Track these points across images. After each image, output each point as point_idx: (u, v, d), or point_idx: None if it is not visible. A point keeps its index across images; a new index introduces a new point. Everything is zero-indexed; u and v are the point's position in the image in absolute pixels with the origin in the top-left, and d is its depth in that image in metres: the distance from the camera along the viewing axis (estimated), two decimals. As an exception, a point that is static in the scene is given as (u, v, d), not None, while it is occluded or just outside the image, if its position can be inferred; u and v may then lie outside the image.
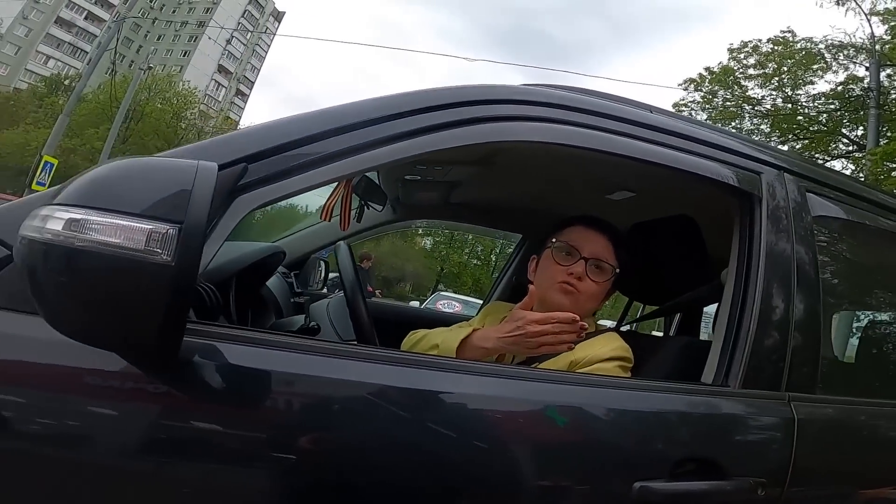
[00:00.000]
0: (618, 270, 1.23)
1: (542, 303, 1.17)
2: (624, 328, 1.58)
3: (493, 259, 29.58)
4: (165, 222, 0.59)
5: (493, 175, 1.77)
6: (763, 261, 1.07)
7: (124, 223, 0.59)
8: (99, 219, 0.59)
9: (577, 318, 1.02)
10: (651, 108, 1.17)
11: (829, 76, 12.50)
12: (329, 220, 1.75)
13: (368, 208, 1.92)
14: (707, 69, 13.61)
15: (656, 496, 0.88)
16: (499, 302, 1.44)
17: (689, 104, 13.61)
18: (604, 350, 1.12)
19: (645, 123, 1.10)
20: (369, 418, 0.78)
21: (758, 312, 1.04)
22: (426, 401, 0.83)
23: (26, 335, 0.69)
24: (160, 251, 0.59)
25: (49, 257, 0.59)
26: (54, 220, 0.59)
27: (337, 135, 0.85)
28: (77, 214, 0.59)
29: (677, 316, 2.01)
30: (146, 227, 0.59)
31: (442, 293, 13.93)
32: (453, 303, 10.12)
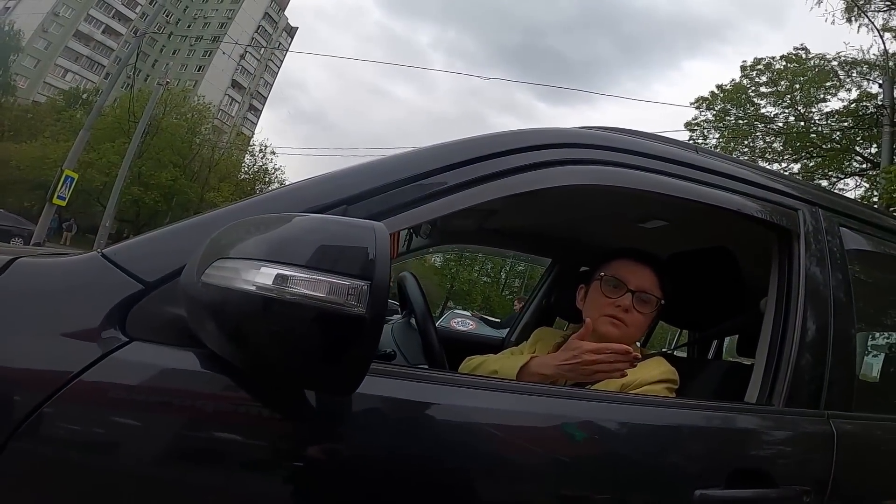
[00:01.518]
0: (663, 302, 1.29)
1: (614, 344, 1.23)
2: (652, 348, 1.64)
3: (503, 276, 29.63)
4: (359, 279, 0.67)
5: (529, 203, 1.83)
6: (802, 291, 1.16)
7: (326, 279, 0.67)
8: (303, 275, 0.67)
9: (630, 349, 1.10)
10: (697, 149, 1.25)
11: (842, 94, 12.58)
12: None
13: (417, 236, 1.98)
14: (719, 87, 13.69)
15: (715, 501, 0.97)
16: (547, 328, 1.50)
17: (702, 123, 13.65)
18: (653, 373, 1.19)
19: (692, 164, 1.17)
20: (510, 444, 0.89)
21: (798, 338, 1.13)
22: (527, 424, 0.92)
23: (172, 367, 0.75)
24: (356, 304, 0.67)
25: (257, 306, 0.67)
26: (262, 276, 0.67)
27: (423, 179, 0.93)
28: (285, 271, 0.67)
29: (715, 341, 2.07)
30: (345, 283, 0.67)
31: (456, 311, 13.95)
32: (467, 321, 10.11)
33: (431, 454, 0.84)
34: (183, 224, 0.88)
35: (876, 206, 7.47)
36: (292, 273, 0.67)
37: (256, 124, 60.35)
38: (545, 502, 0.90)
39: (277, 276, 0.67)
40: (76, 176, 11.76)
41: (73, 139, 15.25)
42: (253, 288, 0.67)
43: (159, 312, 0.76)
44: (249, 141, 38.70)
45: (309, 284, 0.67)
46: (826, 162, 12.89)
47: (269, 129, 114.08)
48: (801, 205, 1.24)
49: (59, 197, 11.10)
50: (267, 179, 33.67)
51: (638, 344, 1.36)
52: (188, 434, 0.75)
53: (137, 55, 14.94)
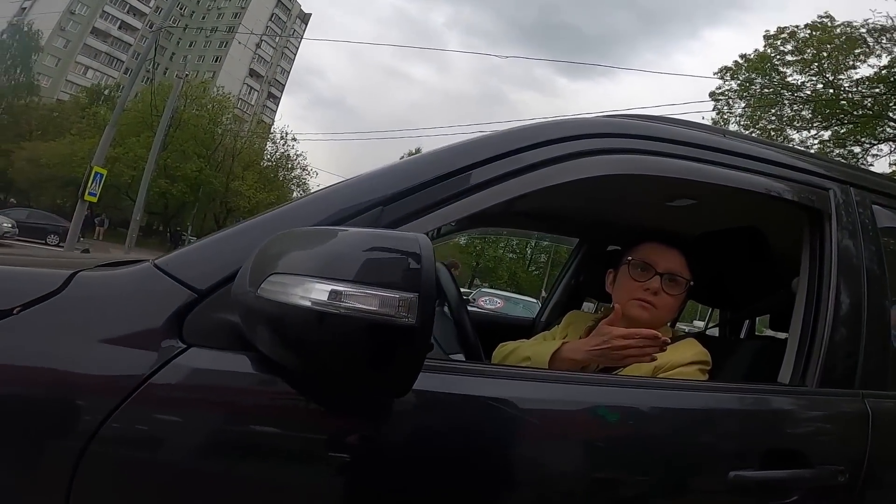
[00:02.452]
0: (692, 283, 1.31)
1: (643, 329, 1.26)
2: (686, 328, 1.65)
3: (529, 252, 29.45)
4: (408, 291, 0.72)
5: (553, 187, 1.85)
6: (835, 271, 1.15)
7: (377, 293, 0.72)
8: (356, 291, 0.72)
9: (659, 334, 1.12)
10: (725, 133, 1.26)
11: (873, 60, 12.14)
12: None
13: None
14: (742, 56, 13.33)
15: (749, 482, 0.99)
16: (578, 311, 1.54)
17: (726, 93, 13.34)
18: (685, 355, 1.21)
19: (719, 148, 1.17)
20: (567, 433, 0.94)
21: (831, 318, 1.13)
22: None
23: (229, 370, 0.81)
24: (407, 315, 0.72)
25: (317, 320, 0.72)
26: (317, 292, 0.72)
27: (455, 176, 0.96)
28: (338, 287, 0.72)
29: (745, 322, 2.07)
30: (395, 296, 0.72)
31: (483, 290, 14.00)
32: (495, 299, 10.16)
33: (471, 445, 0.88)
34: (228, 232, 0.92)
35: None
36: (345, 289, 0.72)
37: (276, 112, 60.71)
38: (581, 489, 0.93)
39: (332, 291, 0.71)
40: (105, 172, 11.99)
41: (99, 135, 15.56)
42: (308, 303, 0.72)
43: (213, 319, 0.81)
44: (270, 129, 38.92)
45: (361, 299, 0.71)
46: (858, 129, 12.51)
47: (289, 116, 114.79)
48: (831, 184, 1.23)
49: (90, 193, 11.35)
50: (289, 166, 33.97)
51: (669, 325, 1.38)
52: (248, 431, 0.80)
53: (156, 49, 15.10)
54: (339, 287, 0.72)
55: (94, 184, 11.30)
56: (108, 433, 0.74)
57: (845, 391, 1.13)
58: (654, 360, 1.14)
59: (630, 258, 1.33)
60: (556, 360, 1.20)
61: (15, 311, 0.77)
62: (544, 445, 0.93)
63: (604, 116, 1.21)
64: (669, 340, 1.14)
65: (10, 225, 15.75)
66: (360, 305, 0.71)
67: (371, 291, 0.72)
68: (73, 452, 0.72)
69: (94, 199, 11.94)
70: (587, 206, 2.03)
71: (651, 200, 1.75)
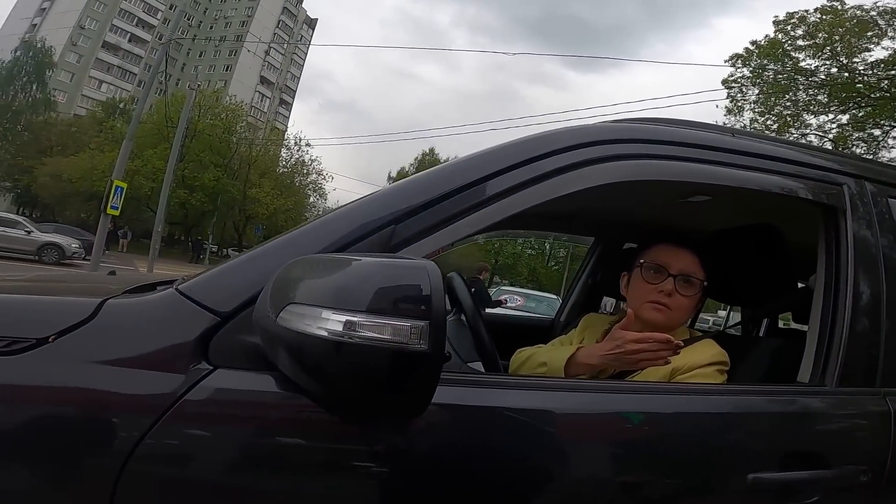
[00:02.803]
0: (706, 283, 1.29)
1: (636, 318, 1.25)
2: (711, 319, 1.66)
3: (548, 248, 29.18)
4: (419, 319, 0.76)
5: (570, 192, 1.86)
6: (852, 267, 1.14)
7: (389, 322, 0.76)
8: (369, 321, 0.76)
9: (672, 338, 1.12)
10: (734, 132, 1.25)
11: (886, 42, 11.94)
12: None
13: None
14: (753, 43, 13.17)
15: (769, 485, 0.99)
16: (594, 315, 1.54)
17: (739, 80, 13.19)
18: (703, 357, 1.20)
19: (729, 148, 1.17)
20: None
21: (850, 316, 1.12)
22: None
23: (255, 389, 0.85)
24: (419, 342, 0.76)
25: (333, 349, 0.76)
26: (332, 323, 0.76)
27: (465, 191, 0.98)
28: (353, 318, 0.76)
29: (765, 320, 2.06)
30: (407, 324, 0.76)
31: (503, 287, 13.96)
32: (515, 297, 10.16)
33: (491, 456, 0.90)
34: (247, 256, 0.97)
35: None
36: (359, 319, 0.75)
37: (288, 118, 61.17)
38: (601, 496, 0.94)
39: (346, 322, 0.75)
40: (125, 185, 12.18)
41: (117, 149, 15.83)
42: (325, 333, 0.76)
43: (237, 341, 0.85)
44: (284, 135, 39.22)
45: (374, 328, 0.75)
46: (876, 111, 12.29)
47: (302, 122, 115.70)
48: (845, 179, 1.22)
49: (112, 207, 11.51)
50: (305, 171, 34.16)
51: (686, 325, 1.37)
52: (274, 447, 0.84)
53: (166, 61, 15.30)
54: (354, 318, 0.75)
55: (115, 197, 11.48)
56: (144, 451, 0.78)
57: (866, 390, 1.11)
58: (668, 363, 1.14)
59: (643, 261, 1.32)
60: (571, 366, 1.22)
61: (50, 340, 0.82)
62: (563, 454, 0.94)
63: (614, 122, 1.22)
64: (682, 344, 1.14)
65: (77, 245, 16.12)
66: (374, 335, 0.75)
67: (383, 321, 0.75)
68: (112, 470, 0.77)
69: (117, 213, 12.14)
70: (601, 206, 2.03)
71: (665, 199, 1.77)
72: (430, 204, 0.96)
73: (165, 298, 0.91)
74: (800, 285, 1.76)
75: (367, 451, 0.87)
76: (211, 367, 0.83)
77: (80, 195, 27.62)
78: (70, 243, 16.01)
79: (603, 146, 1.07)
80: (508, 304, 8.39)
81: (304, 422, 0.85)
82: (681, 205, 1.76)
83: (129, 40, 55.10)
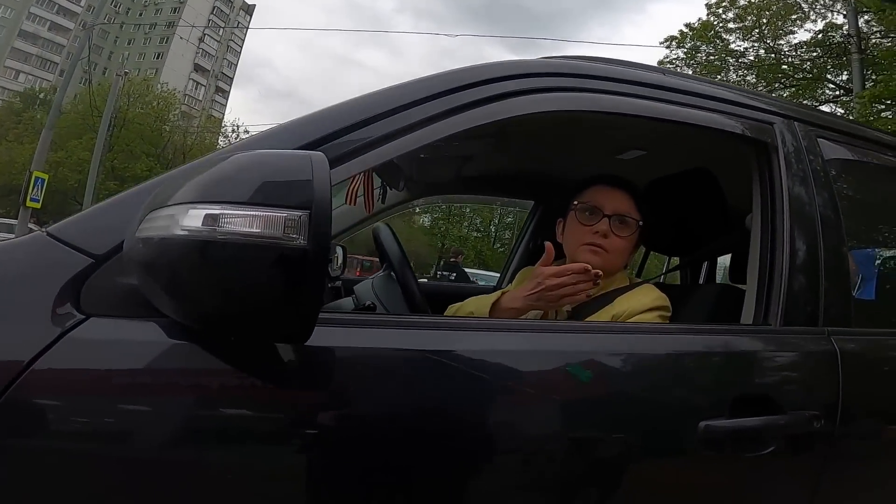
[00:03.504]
0: (641, 223, 1.27)
1: (571, 263, 1.22)
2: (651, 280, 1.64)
3: (493, 229, 29.69)
4: (296, 209, 0.64)
5: (504, 146, 1.82)
6: (787, 204, 1.13)
7: (261, 213, 0.63)
8: (235, 212, 0.63)
9: (590, 267, 1.09)
10: (665, 71, 1.24)
11: (808, 25, 12.63)
12: (354, 204, 1.79)
13: (390, 189, 1.96)
14: (687, 25, 13.60)
15: (721, 433, 0.93)
16: (529, 267, 1.50)
17: (674, 61, 13.60)
18: (644, 301, 1.17)
19: (660, 85, 1.14)
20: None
21: (789, 253, 1.09)
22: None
23: (133, 339, 0.72)
24: (297, 236, 0.63)
25: (190, 252, 0.63)
26: (190, 218, 0.63)
27: (392, 115, 0.90)
28: (214, 210, 0.63)
29: (704, 265, 2.08)
30: (281, 215, 0.63)
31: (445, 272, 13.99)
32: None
33: (420, 402, 0.82)
34: (129, 192, 0.83)
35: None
36: (223, 211, 0.63)
37: (225, 106, 58.99)
38: (546, 441, 0.87)
39: (206, 216, 0.63)
40: (46, 177, 11.47)
41: (38, 140, 14.86)
42: (185, 233, 0.63)
43: (113, 285, 0.72)
44: (220, 123, 37.88)
45: (243, 221, 0.63)
46: (800, 91, 12.91)
47: (241, 110, 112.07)
48: (775, 118, 1.22)
49: (31, 199, 10.80)
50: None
51: (628, 270, 1.35)
52: (157, 409, 0.72)
53: (90, 48, 14.47)
54: (216, 210, 0.63)
55: (35, 189, 10.75)
56: None
57: (810, 329, 1.09)
58: (589, 297, 1.11)
59: (576, 203, 1.28)
60: (496, 311, 1.17)
61: None
62: (500, 398, 0.87)
63: (546, 57, 1.17)
64: (601, 273, 1.11)
65: None
66: (241, 229, 0.63)
67: (253, 213, 0.63)
68: None
69: (38, 206, 11.38)
70: (539, 165, 2.02)
71: (601, 154, 1.75)
72: (351, 128, 0.88)
73: (29, 241, 0.78)
74: None
75: (265, 403, 0.75)
76: (82, 317, 0.70)
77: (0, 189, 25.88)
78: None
79: (535, 78, 1.03)
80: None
81: (191, 373, 0.73)
82: (617, 161, 1.75)
83: (49, 29, 51.69)
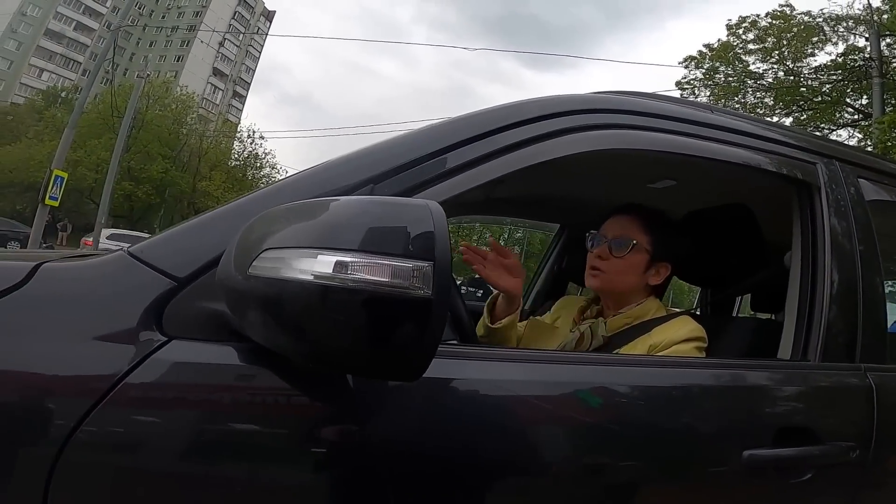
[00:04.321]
0: (635, 242, 1.28)
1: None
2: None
3: (502, 244, 29.79)
4: (422, 260, 0.65)
5: (537, 170, 1.82)
6: (828, 243, 1.15)
7: (388, 262, 0.65)
8: (364, 260, 0.65)
9: (468, 244, 1.26)
10: (713, 109, 1.25)
11: (829, 48, 12.63)
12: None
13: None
14: (706, 46, 13.61)
15: (764, 461, 0.97)
16: (571, 297, 1.52)
17: (692, 82, 13.61)
18: (680, 332, 1.19)
19: (706, 123, 1.16)
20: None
21: (829, 291, 1.12)
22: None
23: (214, 363, 0.74)
24: (421, 286, 0.65)
25: (319, 296, 0.65)
26: (320, 264, 0.65)
27: (441, 155, 0.92)
28: (345, 258, 0.65)
29: (739, 298, 2.08)
30: (408, 265, 0.65)
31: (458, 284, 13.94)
32: (478, 292, 10.12)
33: (469, 430, 0.83)
34: (208, 216, 0.85)
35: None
36: (352, 259, 0.65)
37: (242, 111, 59.60)
38: (588, 473, 0.89)
39: (337, 262, 0.64)
40: (66, 175, 11.59)
41: (58, 139, 15.11)
42: (310, 277, 0.65)
43: (195, 308, 0.75)
44: (236, 127, 38.21)
45: (371, 269, 0.64)
46: (817, 115, 12.92)
47: (256, 115, 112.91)
48: (818, 158, 1.24)
49: (50, 197, 10.94)
50: (258, 164, 33.46)
51: (653, 297, 1.35)
52: (234, 429, 0.74)
53: (114, 50, 14.68)
54: (346, 258, 0.64)
55: (54, 187, 10.89)
56: (83, 438, 0.66)
57: (847, 365, 1.12)
58: (476, 272, 1.24)
59: (588, 234, 1.35)
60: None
61: None
62: (546, 430, 0.88)
63: (594, 93, 1.17)
64: (492, 243, 1.20)
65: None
66: (371, 277, 0.64)
67: (381, 261, 0.65)
68: (47, 460, 0.65)
69: (56, 203, 11.52)
70: (568, 189, 2.02)
71: (633, 181, 1.75)
72: (409, 165, 0.89)
73: (113, 261, 0.79)
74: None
75: (342, 431, 0.78)
76: (165, 339, 0.72)
77: (16, 186, 26.20)
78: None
79: (575, 116, 1.04)
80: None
81: (271, 399, 0.75)
82: (647, 190, 1.74)
83: (75, 28, 52.45)
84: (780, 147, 1.22)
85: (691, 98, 13.89)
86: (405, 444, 0.80)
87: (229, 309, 0.72)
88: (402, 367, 0.69)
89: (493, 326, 1.30)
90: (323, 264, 0.65)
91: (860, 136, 11.94)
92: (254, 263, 0.68)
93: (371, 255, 0.65)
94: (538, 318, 1.46)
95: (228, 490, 0.72)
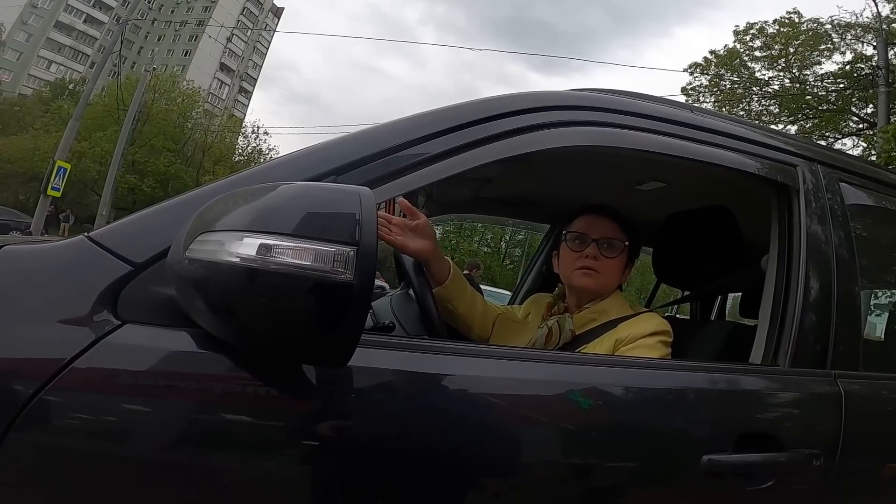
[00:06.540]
0: (627, 243, 1.32)
1: (570, 289, 1.35)
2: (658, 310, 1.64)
3: (503, 246, 29.79)
4: (345, 245, 0.66)
5: (525, 170, 1.83)
6: (804, 247, 1.14)
7: (311, 247, 0.66)
8: (287, 243, 0.66)
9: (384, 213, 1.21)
10: (692, 108, 1.25)
11: (836, 56, 12.61)
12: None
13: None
14: (712, 52, 13.60)
15: (724, 467, 0.95)
16: (541, 294, 1.52)
17: (697, 88, 13.58)
18: (646, 327, 1.20)
19: (688, 123, 1.16)
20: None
21: (802, 296, 1.11)
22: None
23: (167, 348, 0.74)
24: (343, 271, 0.66)
25: (243, 277, 0.66)
26: (245, 246, 0.66)
27: (414, 146, 0.92)
28: (268, 240, 0.66)
29: (717, 300, 2.07)
30: (331, 249, 0.66)
31: None
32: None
33: (431, 424, 0.84)
34: (170, 202, 0.86)
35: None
36: (276, 242, 0.66)
37: (248, 106, 59.71)
38: (550, 471, 0.89)
39: (261, 245, 0.66)
40: (69, 166, 11.66)
41: (63, 130, 15.10)
42: (237, 260, 0.66)
43: (151, 293, 0.75)
44: (241, 123, 38.32)
45: (294, 253, 0.66)
46: (822, 123, 12.88)
47: (262, 111, 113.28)
48: (799, 161, 1.22)
49: (53, 188, 11.01)
50: (262, 160, 33.48)
51: (619, 290, 1.37)
52: (185, 416, 0.75)
53: (122, 43, 14.73)
54: (270, 240, 0.66)
55: (57, 178, 10.96)
56: (29, 420, 0.67)
57: (818, 371, 1.10)
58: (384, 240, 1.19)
59: (565, 232, 1.35)
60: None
61: None
62: (505, 425, 0.88)
63: (573, 90, 1.18)
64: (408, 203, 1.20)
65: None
66: (293, 260, 0.66)
67: (305, 245, 0.66)
68: None
69: (58, 194, 11.59)
70: (557, 190, 2.02)
71: (620, 182, 1.75)
72: (376, 156, 0.90)
73: (72, 245, 0.80)
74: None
75: (292, 416, 0.78)
76: (118, 323, 0.73)
77: (20, 177, 26.25)
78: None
79: (561, 111, 1.05)
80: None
81: (221, 384, 0.75)
82: (635, 191, 1.74)
83: (85, 21, 52.64)
84: (760, 149, 1.21)
85: (696, 104, 13.89)
86: (358, 432, 0.80)
87: (177, 293, 0.73)
88: (325, 353, 0.70)
89: (435, 292, 1.30)
90: (248, 247, 0.66)
91: (864, 144, 11.91)
92: (191, 246, 0.69)
93: (298, 238, 0.66)
94: (507, 312, 1.47)
95: (173, 475, 0.73)
